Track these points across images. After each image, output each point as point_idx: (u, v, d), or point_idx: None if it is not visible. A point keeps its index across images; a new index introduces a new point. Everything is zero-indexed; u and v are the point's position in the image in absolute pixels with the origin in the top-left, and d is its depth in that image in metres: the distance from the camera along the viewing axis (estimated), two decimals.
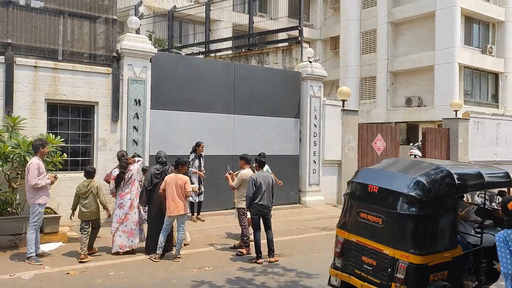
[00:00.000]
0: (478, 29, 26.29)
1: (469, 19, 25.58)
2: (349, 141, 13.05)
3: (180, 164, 7.21)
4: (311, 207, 12.02)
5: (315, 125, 12.41)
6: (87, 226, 6.93)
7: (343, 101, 13.14)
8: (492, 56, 26.29)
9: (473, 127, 15.91)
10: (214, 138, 10.79)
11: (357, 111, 14.02)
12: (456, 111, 15.75)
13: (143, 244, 7.45)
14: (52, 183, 6.97)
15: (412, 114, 26.31)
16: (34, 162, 6.68)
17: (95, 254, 7.19)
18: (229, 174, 8.14)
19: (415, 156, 23.59)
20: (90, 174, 7.12)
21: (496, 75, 27.01)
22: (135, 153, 8.35)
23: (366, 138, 13.69)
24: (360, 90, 29.41)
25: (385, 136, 14.18)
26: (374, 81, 28.65)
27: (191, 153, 9.63)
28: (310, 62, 12.42)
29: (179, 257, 7.07)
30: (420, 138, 20.17)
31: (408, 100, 26.44)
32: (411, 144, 25.77)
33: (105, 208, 7.07)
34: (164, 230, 7.12)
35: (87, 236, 6.92)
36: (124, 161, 7.25)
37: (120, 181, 7.19)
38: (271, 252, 7.22)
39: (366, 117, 26.71)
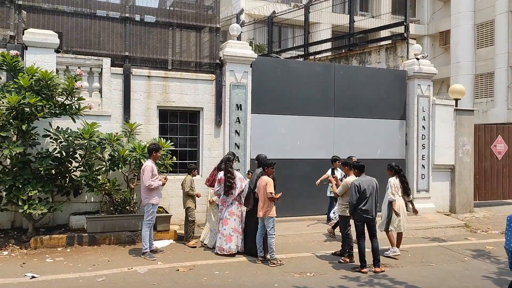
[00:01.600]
0: None
1: None
2: (463, 144, 11.95)
3: (265, 166, 7.19)
4: (420, 215, 11.13)
5: (423, 126, 11.59)
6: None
7: (456, 100, 12.09)
8: None
9: None
10: (314, 141, 10.64)
11: (473, 110, 12.79)
12: None
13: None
14: (163, 184, 7.47)
15: None
16: (148, 164, 7.19)
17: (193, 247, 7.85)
18: (334, 177, 7.96)
19: None
20: (187, 171, 8.18)
21: None
22: (249, 170, 8.82)
23: (483, 141, 12.46)
24: (474, 88, 26.98)
25: (507, 138, 12.77)
26: (491, 78, 26.05)
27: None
28: (418, 59, 11.65)
29: (274, 263, 6.95)
30: None
31: None
32: None
33: (192, 195, 7.93)
34: (258, 233, 7.18)
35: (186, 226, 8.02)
36: (229, 165, 7.46)
37: (229, 188, 7.41)
38: (376, 261, 6.85)
39: (482, 117, 24.40)
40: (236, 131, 9.47)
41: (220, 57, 9.51)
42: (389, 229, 7.69)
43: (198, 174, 9.02)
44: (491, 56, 25.73)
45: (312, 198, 10.42)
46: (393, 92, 11.58)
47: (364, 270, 6.75)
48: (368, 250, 6.89)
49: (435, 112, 11.74)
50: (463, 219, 10.98)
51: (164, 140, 8.45)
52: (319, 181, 9.66)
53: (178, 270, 6.59)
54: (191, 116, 9.47)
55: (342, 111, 10.93)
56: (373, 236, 6.94)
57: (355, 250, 7.09)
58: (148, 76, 8.96)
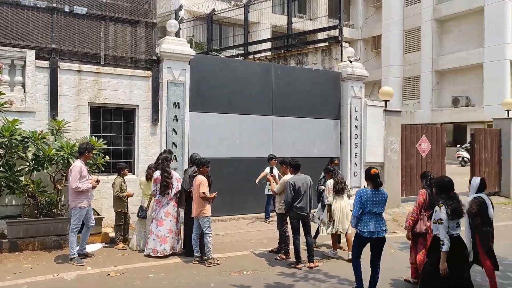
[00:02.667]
0: None
1: None
2: (391, 143, 12.59)
3: (200, 165, 7.09)
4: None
5: (356, 126, 12.06)
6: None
7: (385, 101, 12.69)
8: None
9: None
10: (253, 140, 10.69)
11: (400, 111, 13.50)
12: (508, 110, 14.86)
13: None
14: (93, 187, 7.05)
15: (459, 114, 25.26)
16: (77, 165, 6.80)
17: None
18: (271, 176, 8.02)
19: (462, 158, 22.69)
20: (117, 171, 7.92)
21: None
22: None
23: (410, 140, 13.18)
24: (403, 90, 28.63)
25: (430, 137, 13.59)
26: (418, 81, 27.80)
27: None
28: (351, 61, 12.09)
29: (210, 262, 6.87)
30: (468, 139, 19.27)
31: (455, 100, 25.41)
32: (459, 146, 24.74)
33: (123, 197, 7.69)
34: (193, 232, 7.08)
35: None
36: (166, 164, 7.27)
37: (166, 188, 7.21)
38: (311, 257, 7.01)
39: (409, 118, 25.92)
40: (173, 129, 9.26)
41: (157, 54, 9.25)
42: (333, 232, 7.56)
43: (131, 172, 8.71)
44: (418, 61, 27.46)
45: (251, 197, 10.47)
46: (329, 93, 11.93)
47: (299, 266, 6.88)
48: (303, 246, 7.02)
49: (366, 112, 12.26)
50: (391, 214, 11.55)
51: (96, 138, 8.06)
52: (258, 179, 9.76)
53: (109, 274, 6.31)
54: (126, 114, 9.11)
55: (280, 110, 11.08)
56: (307, 232, 7.10)
57: (291, 247, 7.20)
58: (79, 71, 8.49)
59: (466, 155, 22.18)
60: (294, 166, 7.20)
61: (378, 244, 5.63)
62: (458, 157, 22.92)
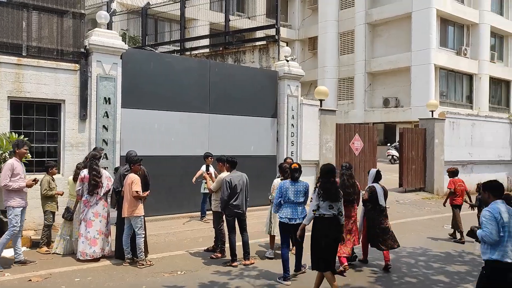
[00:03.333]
0: (453, 31, 26.75)
1: (445, 21, 26.00)
2: (326, 141, 12.93)
3: (131, 163, 6.80)
4: None
5: (292, 125, 12.24)
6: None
7: (321, 100, 13.01)
8: (467, 57, 26.78)
9: (448, 127, 16.00)
10: (189, 138, 10.49)
11: (334, 111, 13.91)
12: (432, 111, 15.83)
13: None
14: (29, 186, 6.53)
15: (389, 114, 26.55)
16: (9, 162, 6.41)
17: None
18: (208, 173, 7.88)
19: (392, 156, 23.87)
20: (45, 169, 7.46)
21: (470, 76, 27.51)
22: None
23: (344, 139, 13.61)
24: (338, 91, 29.57)
25: (363, 136, 14.13)
26: (352, 82, 28.85)
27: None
28: (287, 60, 12.25)
29: (142, 264, 6.62)
30: (398, 138, 20.28)
31: (386, 100, 26.68)
32: (389, 144, 26.01)
33: (50, 196, 7.28)
34: (124, 233, 6.78)
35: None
36: (94, 163, 6.90)
37: (95, 187, 6.85)
38: (246, 254, 6.98)
39: (344, 117, 26.84)
40: (104, 126, 8.83)
41: (86, 46, 8.77)
42: (271, 232, 7.46)
43: (59, 173, 8.19)
44: (352, 63, 28.49)
45: (186, 195, 10.27)
46: (266, 91, 12.00)
47: (235, 263, 6.83)
48: (238, 244, 6.97)
49: (302, 111, 12.49)
50: None
51: (17, 135, 7.49)
52: (194, 178, 9.59)
53: (30, 280, 5.88)
54: (51, 109, 8.54)
55: (217, 108, 10.97)
56: (243, 230, 7.06)
57: (227, 245, 7.13)
58: None
59: (395, 153, 23.34)
60: (230, 163, 7.12)
61: (295, 230, 6.03)
62: (388, 155, 24.08)
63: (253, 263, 6.95)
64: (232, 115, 11.25)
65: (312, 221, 5.62)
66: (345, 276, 6.39)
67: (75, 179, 7.25)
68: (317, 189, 5.70)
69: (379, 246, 6.84)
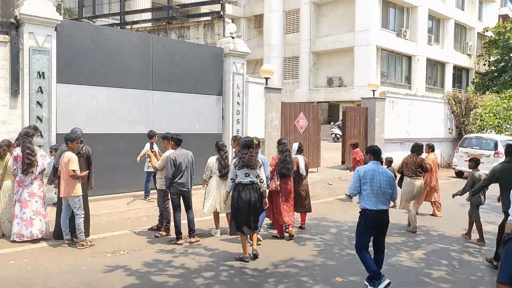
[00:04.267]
0: (394, 13, 27.60)
1: (386, 3, 26.75)
2: (272, 120, 13.05)
3: (69, 141, 6.46)
4: None
5: (238, 103, 12.22)
6: None
7: (266, 79, 13.06)
8: (406, 39, 27.82)
9: (388, 106, 16.70)
10: (131, 115, 10.18)
11: (280, 89, 14.02)
12: (373, 91, 16.40)
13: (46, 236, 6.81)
14: None
15: (333, 94, 27.21)
16: None
17: None
18: (152, 151, 7.69)
19: (335, 135, 24.61)
20: None
21: (409, 58, 28.69)
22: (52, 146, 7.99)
23: (289, 117, 13.80)
24: (283, 69, 29.80)
25: (308, 115, 14.40)
26: (297, 61, 29.15)
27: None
28: (233, 38, 12.12)
29: (82, 244, 6.43)
30: (341, 117, 20.88)
31: (330, 80, 27.28)
32: (332, 123, 26.76)
33: None
34: (62, 214, 6.53)
35: None
36: (28, 140, 6.51)
37: (29, 166, 6.48)
38: (191, 232, 6.96)
39: (289, 96, 27.16)
40: (38, 102, 8.32)
41: (16, 16, 8.16)
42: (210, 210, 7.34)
43: None
44: (297, 42, 28.73)
45: (129, 174, 10.02)
46: (211, 68, 11.84)
47: (180, 241, 6.80)
48: (183, 222, 6.94)
49: (248, 89, 12.49)
50: None
51: None
52: (139, 157, 9.35)
53: None
54: None
55: (161, 85, 10.68)
56: (188, 208, 7.02)
57: (172, 223, 7.06)
58: None
59: (338, 131, 24.07)
60: (175, 140, 7.00)
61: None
62: (331, 133, 24.78)
63: (198, 241, 6.95)
64: (176, 92, 11.02)
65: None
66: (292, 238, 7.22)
67: None
68: (234, 160, 6.30)
69: (297, 209, 7.68)
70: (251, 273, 5.64)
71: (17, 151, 6.49)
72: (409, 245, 7.10)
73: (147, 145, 9.35)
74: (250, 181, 6.07)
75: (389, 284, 5.02)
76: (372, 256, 5.30)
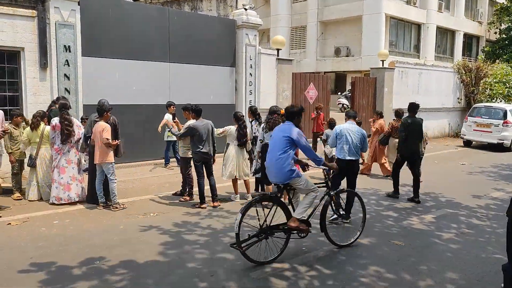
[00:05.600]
0: None
1: None
2: (283, 90, 13.39)
3: (102, 111, 6.93)
4: None
5: (250, 74, 12.53)
6: None
7: (278, 50, 13.31)
8: (416, 7, 27.50)
9: (397, 76, 16.87)
10: (150, 87, 10.59)
11: (291, 60, 14.29)
12: (383, 61, 16.55)
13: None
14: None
15: (340, 63, 27.27)
16: None
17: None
18: (175, 122, 8.11)
19: (342, 105, 24.88)
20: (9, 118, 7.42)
21: (418, 26, 28.42)
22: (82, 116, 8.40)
23: (299, 87, 14.10)
24: (290, 39, 29.71)
25: (317, 85, 14.67)
26: (304, 31, 29.04)
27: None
28: (246, 9, 12.32)
29: (116, 207, 6.99)
30: (348, 87, 21.13)
31: (337, 50, 27.28)
32: (339, 93, 26.96)
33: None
34: (97, 179, 7.05)
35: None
36: (65, 112, 6.98)
37: (68, 136, 6.99)
38: (214, 197, 7.45)
39: (296, 66, 27.23)
40: (65, 74, 8.76)
41: None
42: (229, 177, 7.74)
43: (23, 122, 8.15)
44: (305, 11, 28.53)
45: (150, 143, 10.53)
46: (224, 40, 12.12)
47: (203, 205, 7.30)
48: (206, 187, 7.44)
49: (260, 60, 12.78)
50: None
51: None
52: (160, 127, 9.79)
53: (10, 223, 6.11)
54: (10, 57, 8.33)
55: (177, 57, 11.03)
56: (210, 174, 7.46)
57: (195, 189, 7.56)
58: None
59: (345, 102, 24.35)
60: (195, 111, 7.41)
61: None
62: (338, 103, 25.05)
63: (220, 205, 7.45)
64: (192, 64, 11.37)
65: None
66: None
67: (32, 128, 7.28)
68: (263, 124, 7.42)
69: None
70: None
71: (55, 121, 6.98)
72: (419, 210, 7.56)
73: (167, 115, 9.79)
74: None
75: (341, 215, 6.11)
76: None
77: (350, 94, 17.68)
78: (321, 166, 5.43)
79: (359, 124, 7.21)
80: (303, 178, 5.12)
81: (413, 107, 8.44)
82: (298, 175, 5.08)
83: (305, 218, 5.18)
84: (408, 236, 6.16)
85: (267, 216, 5.04)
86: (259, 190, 8.11)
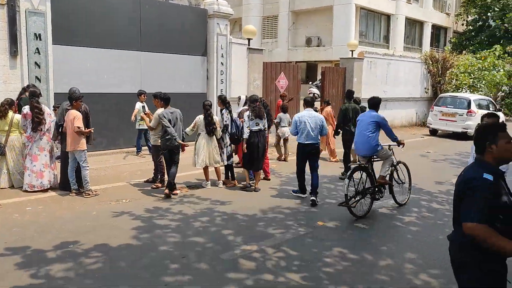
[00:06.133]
0: None
1: None
2: (254, 80, 13.64)
3: (73, 99, 7.00)
4: None
5: (222, 63, 12.71)
6: None
7: (249, 39, 13.51)
8: None
9: (366, 66, 17.34)
10: (121, 75, 10.66)
11: (262, 50, 14.52)
12: (352, 51, 16.95)
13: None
14: None
15: (311, 53, 27.65)
16: None
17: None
18: (146, 114, 8.25)
19: (313, 94, 25.31)
20: None
21: (388, 17, 28.99)
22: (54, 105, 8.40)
23: (270, 77, 14.36)
24: (262, 29, 29.83)
25: (288, 74, 14.97)
26: (276, 21, 29.21)
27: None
28: None
29: (88, 194, 7.12)
30: (319, 77, 21.51)
31: (308, 40, 27.62)
32: (310, 83, 27.38)
33: None
34: (69, 166, 7.16)
35: None
36: (35, 100, 7.04)
37: (39, 124, 7.04)
38: (169, 185, 7.42)
39: (268, 56, 27.44)
40: (36, 62, 8.74)
41: None
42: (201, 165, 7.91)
43: None
44: (276, 1, 28.67)
45: (122, 132, 10.63)
46: (196, 30, 12.24)
47: (176, 191, 7.54)
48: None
49: (231, 50, 12.96)
50: None
51: None
52: (133, 116, 9.94)
53: None
54: None
55: (149, 46, 11.11)
56: (174, 163, 7.57)
57: (166, 176, 7.75)
58: None
59: (316, 91, 24.72)
60: (164, 99, 7.56)
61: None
62: (309, 93, 25.43)
63: (187, 192, 7.67)
64: (163, 53, 11.47)
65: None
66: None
67: (0, 115, 7.29)
68: (248, 112, 7.81)
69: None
70: (242, 218, 6.43)
71: (26, 109, 7.04)
72: (385, 196, 7.96)
73: (138, 104, 9.92)
74: (259, 128, 7.79)
75: (313, 201, 7.12)
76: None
77: (320, 84, 18.06)
78: (394, 143, 7.01)
79: (316, 111, 7.78)
80: (384, 149, 6.85)
81: (349, 94, 9.95)
82: (382, 147, 6.81)
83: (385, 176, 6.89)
84: (372, 220, 6.58)
85: (360, 182, 6.60)
86: (229, 178, 8.40)
